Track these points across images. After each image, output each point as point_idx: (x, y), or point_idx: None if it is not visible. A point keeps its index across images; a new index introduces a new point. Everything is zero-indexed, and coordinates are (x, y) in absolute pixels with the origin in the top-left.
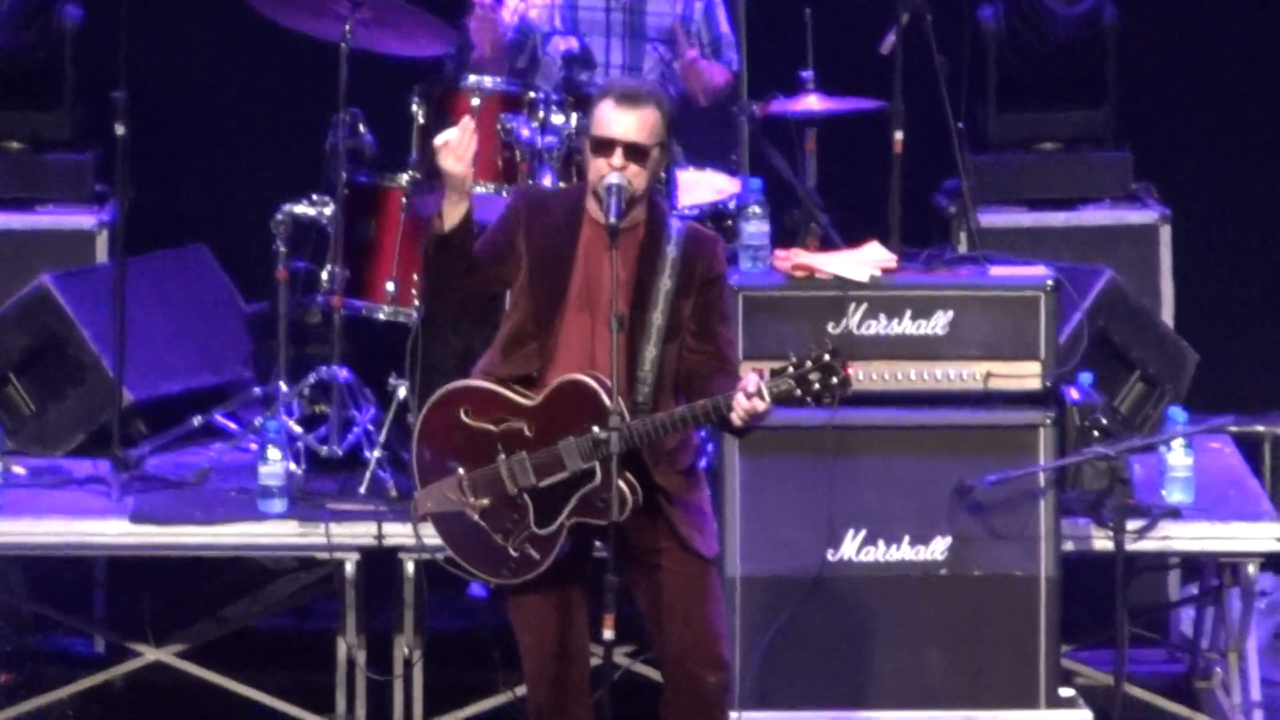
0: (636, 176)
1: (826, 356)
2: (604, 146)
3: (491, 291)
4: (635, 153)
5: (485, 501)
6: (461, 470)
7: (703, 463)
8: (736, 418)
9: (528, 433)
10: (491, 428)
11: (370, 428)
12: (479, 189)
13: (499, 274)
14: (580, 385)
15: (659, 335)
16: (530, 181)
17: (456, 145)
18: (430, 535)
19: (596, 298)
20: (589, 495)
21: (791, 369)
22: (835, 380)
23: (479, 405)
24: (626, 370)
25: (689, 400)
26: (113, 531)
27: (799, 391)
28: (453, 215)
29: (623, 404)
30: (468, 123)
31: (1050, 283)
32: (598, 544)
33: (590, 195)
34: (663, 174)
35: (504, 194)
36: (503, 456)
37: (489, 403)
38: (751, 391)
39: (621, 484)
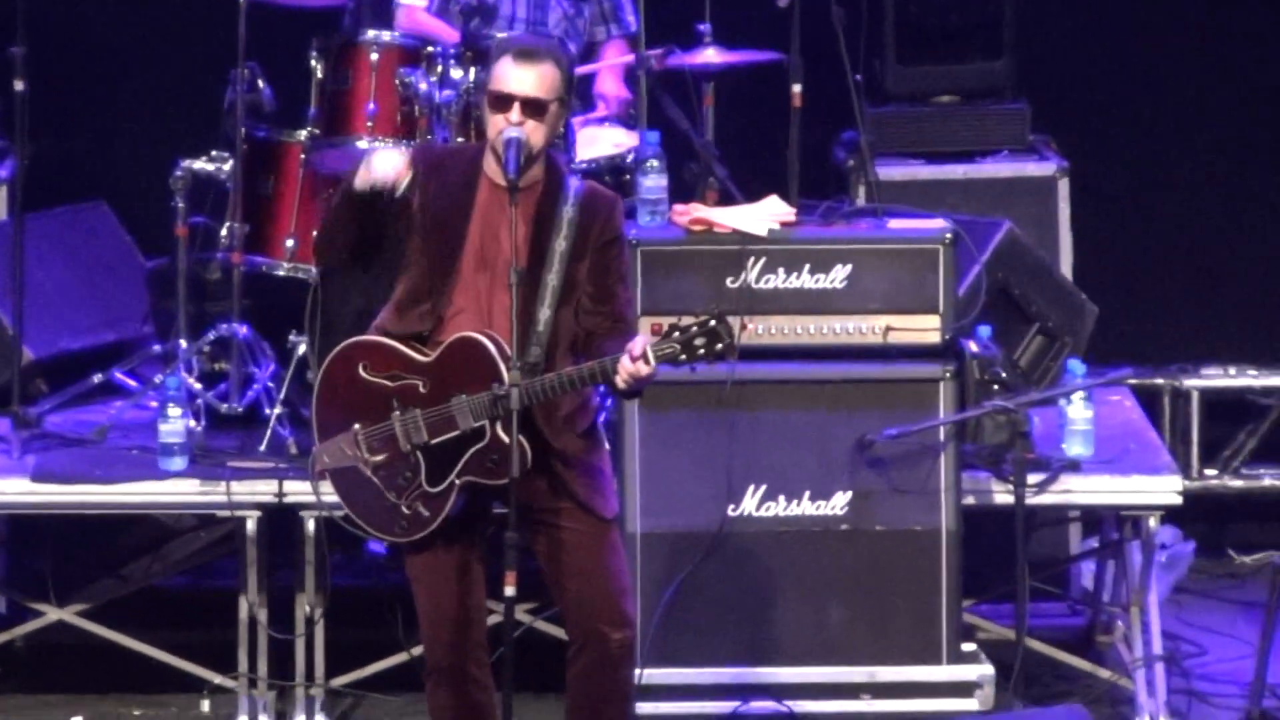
0: (535, 132)
1: (711, 321)
2: (502, 102)
3: (380, 245)
4: (533, 108)
5: (379, 458)
6: (357, 426)
7: (601, 418)
8: (621, 380)
9: (422, 389)
10: (388, 383)
11: (270, 384)
12: (378, 143)
13: (392, 229)
14: (473, 343)
15: (553, 296)
16: (429, 136)
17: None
18: (330, 493)
19: (493, 257)
20: (478, 454)
21: (677, 333)
22: (720, 345)
23: (376, 361)
24: (521, 330)
25: (587, 358)
26: (13, 490)
27: (684, 355)
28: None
29: (512, 360)
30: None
31: (949, 235)
32: (497, 504)
33: (489, 153)
34: (561, 129)
35: (402, 149)
36: (397, 413)
37: (386, 358)
38: (636, 355)
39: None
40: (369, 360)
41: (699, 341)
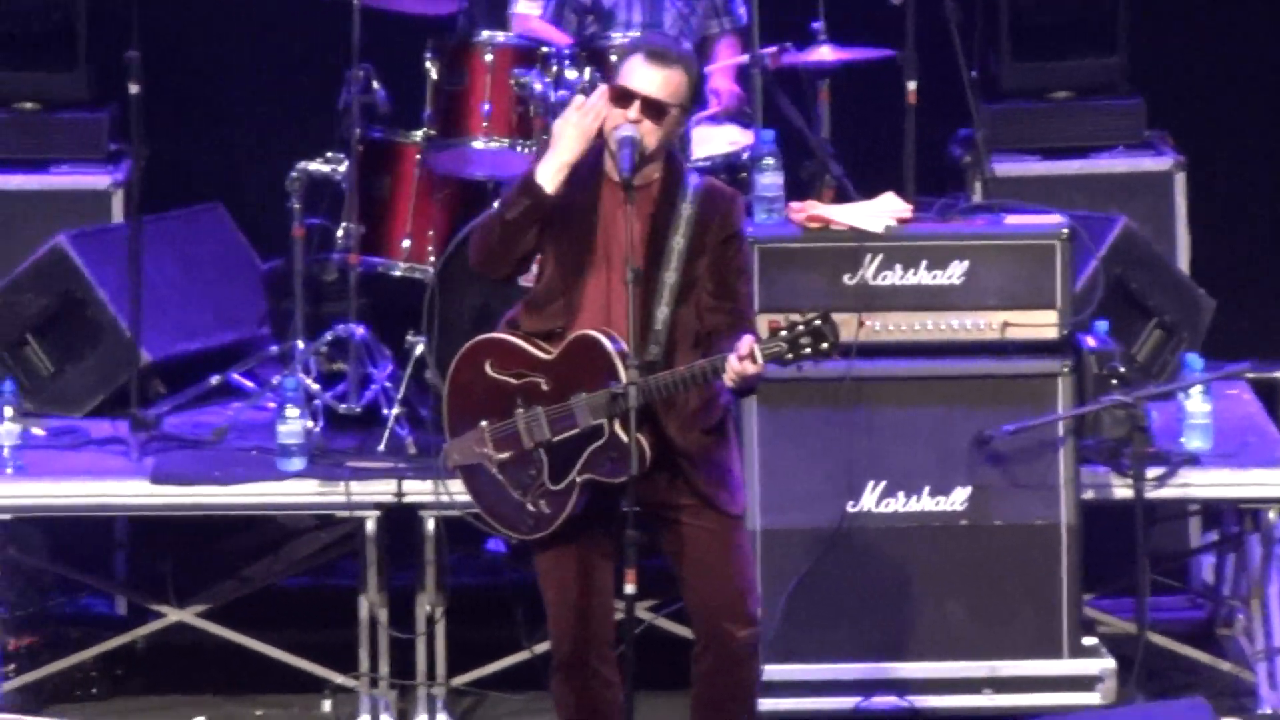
0: (650, 134)
1: (817, 320)
2: (624, 98)
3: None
4: (654, 109)
5: (505, 455)
6: (485, 423)
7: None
8: (728, 379)
9: (545, 387)
10: (512, 381)
11: (388, 384)
12: (493, 144)
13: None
14: (592, 341)
15: (672, 294)
16: (545, 136)
17: (583, 118)
18: (455, 491)
19: (612, 254)
20: (597, 452)
21: (784, 332)
22: (825, 344)
23: (501, 358)
24: (640, 328)
25: (709, 356)
26: (132, 492)
27: (789, 354)
28: (557, 179)
29: (629, 357)
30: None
31: (1066, 231)
32: (624, 502)
33: (606, 151)
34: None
35: (518, 148)
36: (521, 410)
37: (510, 356)
38: (743, 354)
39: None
40: (495, 358)
41: (804, 341)
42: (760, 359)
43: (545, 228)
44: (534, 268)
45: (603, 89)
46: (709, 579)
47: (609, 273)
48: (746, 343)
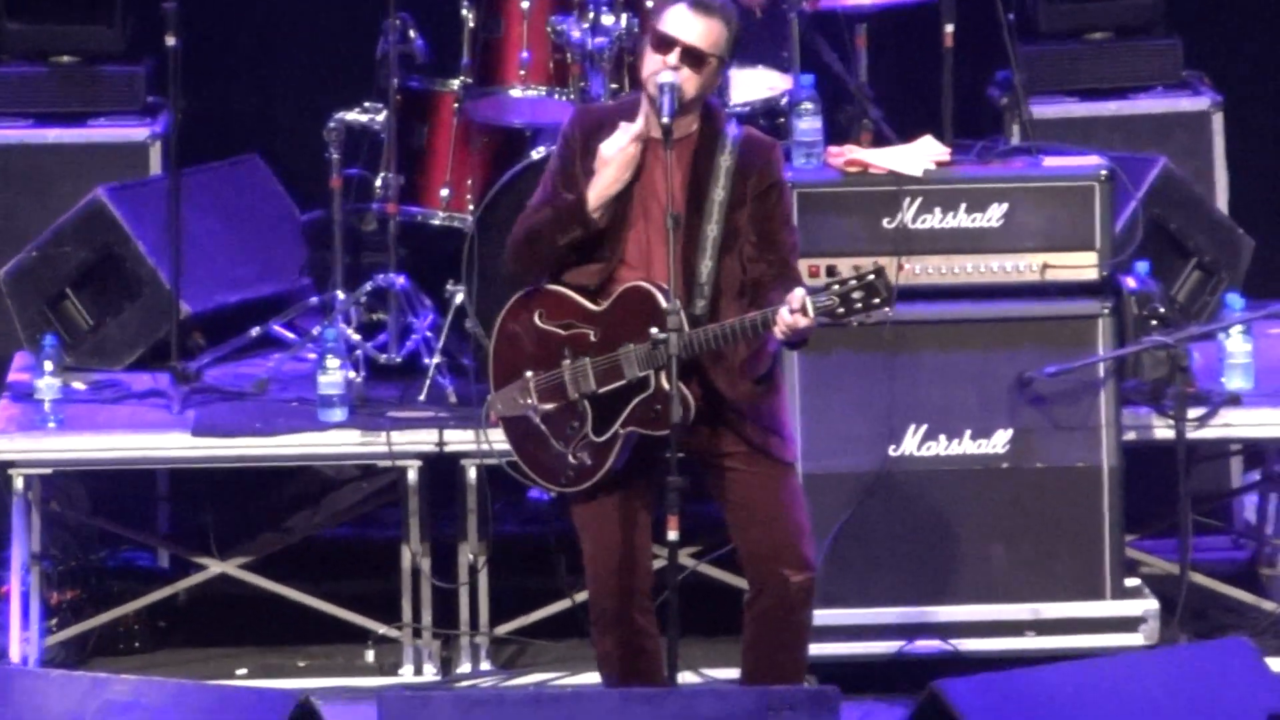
0: (689, 81)
1: (870, 275)
2: (665, 44)
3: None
4: (693, 57)
5: (549, 406)
6: (529, 373)
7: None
8: (779, 332)
9: (593, 338)
10: (560, 331)
11: (429, 334)
12: (530, 92)
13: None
14: (642, 291)
15: (714, 246)
16: (583, 84)
17: (630, 144)
18: (497, 440)
19: (650, 207)
20: (643, 403)
21: (836, 285)
22: (878, 299)
23: (551, 309)
24: (684, 282)
25: (755, 306)
26: (174, 445)
27: (841, 309)
28: (603, 199)
29: (679, 310)
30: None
31: (1105, 172)
32: (666, 452)
33: (644, 106)
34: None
35: (556, 96)
36: (568, 361)
37: (560, 307)
38: (795, 308)
39: (679, 389)
40: (545, 308)
41: (857, 295)
42: (812, 312)
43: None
44: None
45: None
46: (763, 524)
47: (648, 225)
48: (798, 296)
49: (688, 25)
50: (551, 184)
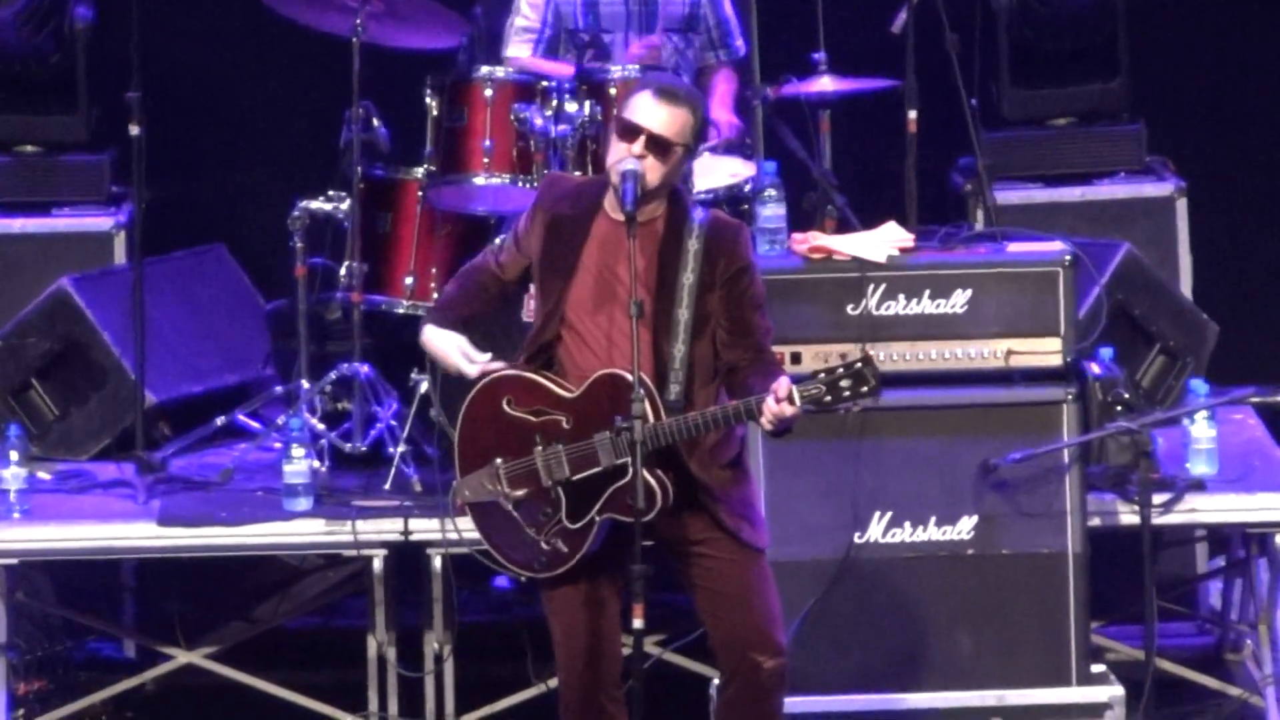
0: (652, 170)
1: (858, 363)
2: (629, 132)
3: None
4: (658, 146)
5: (521, 493)
6: (499, 460)
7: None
8: (766, 422)
9: (565, 425)
10: (530, 418)
11: (393, 423)
12: (494, 180)
13: (523, 265)
14: (617, 379)
15: (686, 331)
16: (546, 171)
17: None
18: (464, 528)
19: (616, 293)
20: (619, 491)
21: (824, 374)
22: (865, 388)
23: (520, 395)
24: (655, 369)
25: (730, 391)
26: (140, 535)
27: (829, 397)
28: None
29: (656, 397)
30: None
31: (1068, 258)
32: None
33: (610, 188)
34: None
35: (519, 184)
36: (540, 448)
37: (529, 393)
38: (781, 396)
39: (650, 479)
40: (514, 394)
41: (845, 384)
42: (799, 402)
43: (541, 272)
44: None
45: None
46: (735, 610)
47: (611, 313)
48: (784, 385)
49: (653, 113)
50: (506, 238)
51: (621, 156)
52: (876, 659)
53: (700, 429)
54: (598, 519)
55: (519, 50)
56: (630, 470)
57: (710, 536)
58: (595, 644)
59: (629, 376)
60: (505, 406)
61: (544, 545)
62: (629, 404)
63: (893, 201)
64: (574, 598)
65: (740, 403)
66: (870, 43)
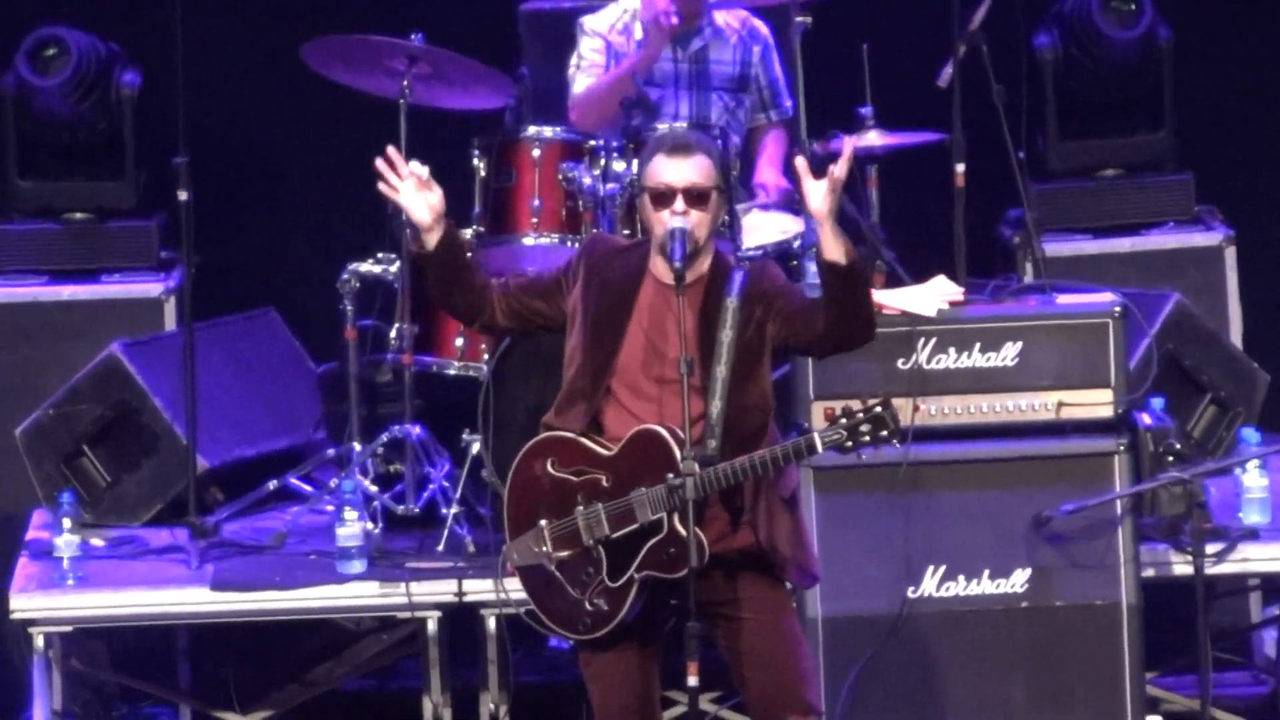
0: (699, 223)
1: (878, 407)
2: (664, 197)
3: (531, 320)
4: (695, 197)
5: (564, 554)
6: (544, 522)
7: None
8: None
9: (605, 483)
10: (572, 478)
11: (445, 484)
12: (543, 240)
13: (531, 305)
14: (653, 435)
15: (724, 388)
16: (595, 230)
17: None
18: (515, 589)
19: (663, 354)
20: (656, 547)
21: (844, 419)
22: (885, 431)
23: (563, 456)
24: (697, 424)
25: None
26: (194, 600)
27: (849, 442)
28: (428, 241)
29: (686, 446)
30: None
31: (1118, 309)
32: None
33: (655, 252)
34: (725, 217)
35: (568, 243)
36: (580, 508)
37: (571, 453)
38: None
39: (686, 533)
40: (557, 456)
41: (864, 428)
42: (820, 446)
43: (589, 329)
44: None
45: None
46: (766, 670)
47: (661, 371)
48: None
49: (677, 170)
50: (544, 271)
51: (666, 222)
52: (933, 713)
53: (735, 477)
54: (637, 577)
55: (586, 83)
56: (666, 526)
57: (739, 596)
58: (637, 706)
59: (663, 432)
60: (550, 468)
61: (588, 606)
62: (664, 459)
63: (942, 255)
64: (614, 661)
65: (769, 450)
66: (917, 96)
